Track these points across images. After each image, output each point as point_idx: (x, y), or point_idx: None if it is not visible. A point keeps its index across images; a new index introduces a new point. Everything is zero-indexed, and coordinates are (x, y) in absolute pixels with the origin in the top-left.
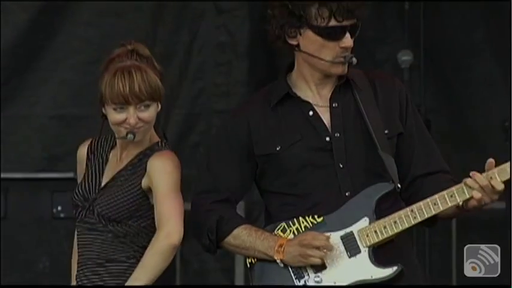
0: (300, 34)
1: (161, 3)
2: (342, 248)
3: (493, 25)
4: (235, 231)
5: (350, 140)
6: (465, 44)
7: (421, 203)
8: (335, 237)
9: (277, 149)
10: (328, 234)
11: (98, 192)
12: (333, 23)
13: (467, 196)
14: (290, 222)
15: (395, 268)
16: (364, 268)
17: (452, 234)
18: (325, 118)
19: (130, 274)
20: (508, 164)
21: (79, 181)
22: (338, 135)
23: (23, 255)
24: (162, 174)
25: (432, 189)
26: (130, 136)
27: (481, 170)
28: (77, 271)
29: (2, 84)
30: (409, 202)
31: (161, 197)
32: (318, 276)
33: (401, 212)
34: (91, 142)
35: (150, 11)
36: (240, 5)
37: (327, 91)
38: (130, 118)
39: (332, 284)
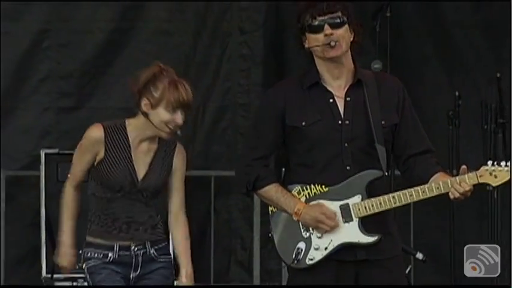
0: (306, 37)
1: (200, 26)
2: (339, 214)
3: (439, 43)
4: (267, 187)
5: (355, 127)
6: (419, 56)
7: (400, 192)
8: (336, 205)
9: (303, 124)
10: (330, 202)
11: (144, 179)
12: (314, 22)
13: (435, 193)
14: (304, 187)
15: (376, 237)
16: (354, 233)
17: (411, 205)
18: (340, 106)
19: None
20: (474, 174)
21: (106, 163)
22: (347, 122)
23: None
24: (184, 165)
25: (422, 168)
26: (179, 132)
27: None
28: (125, 232)
29: (86, 84)
30: (405, 175)
31: (182, 184)
32: (320, 233)
33: (386, 197)
34: (104, 128)
35: (192, 32)
36: (257, 28)
37: (342, 84)
38: (179, 119)
39: (329, 241)
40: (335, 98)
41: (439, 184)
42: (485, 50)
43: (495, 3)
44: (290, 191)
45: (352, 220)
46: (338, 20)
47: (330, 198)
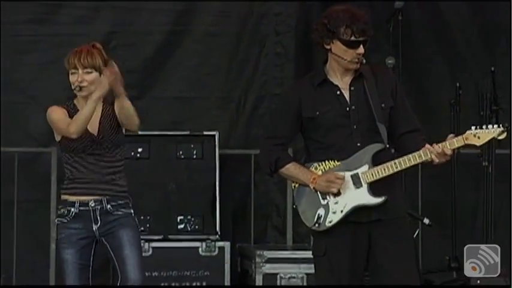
0: (332, 42)
1: (242, 28)
2: (351, 182)
3: (444, 42)
4: (287, 166)
5: (361, 111)
6: (425, 54)
7: (400, 159)
8: (347, 175)
9: (317, 113)
10: (343, 173)
11: (99, 133)
12: (353, 38)
13: (429, 157)
14: (320, 163)
15: (382, 198)
16: (364, 196)
17: (419, 179)
18: (347, 96)
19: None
20: (454, 139)
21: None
22: (354, 108)
23: (157, 180)
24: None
25: (412, 143)
26: (78, 88)
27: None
28: (86, 188)
29: (146, 78)
30: (397, 150)
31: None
32: (336, 199)
33: (389, 163)
34: (65, 107)
35: (235, 34)
36: (289, 30)
37: (347, 79)
38: (78, 77)
39: (344, 204)
40: (341, 90)
41: (433, 148)
42: (480, 48)
43: (489, 9)
44: (309, 168)
45: (362, 186)
46: (367, 42)
47: (343, 169)
